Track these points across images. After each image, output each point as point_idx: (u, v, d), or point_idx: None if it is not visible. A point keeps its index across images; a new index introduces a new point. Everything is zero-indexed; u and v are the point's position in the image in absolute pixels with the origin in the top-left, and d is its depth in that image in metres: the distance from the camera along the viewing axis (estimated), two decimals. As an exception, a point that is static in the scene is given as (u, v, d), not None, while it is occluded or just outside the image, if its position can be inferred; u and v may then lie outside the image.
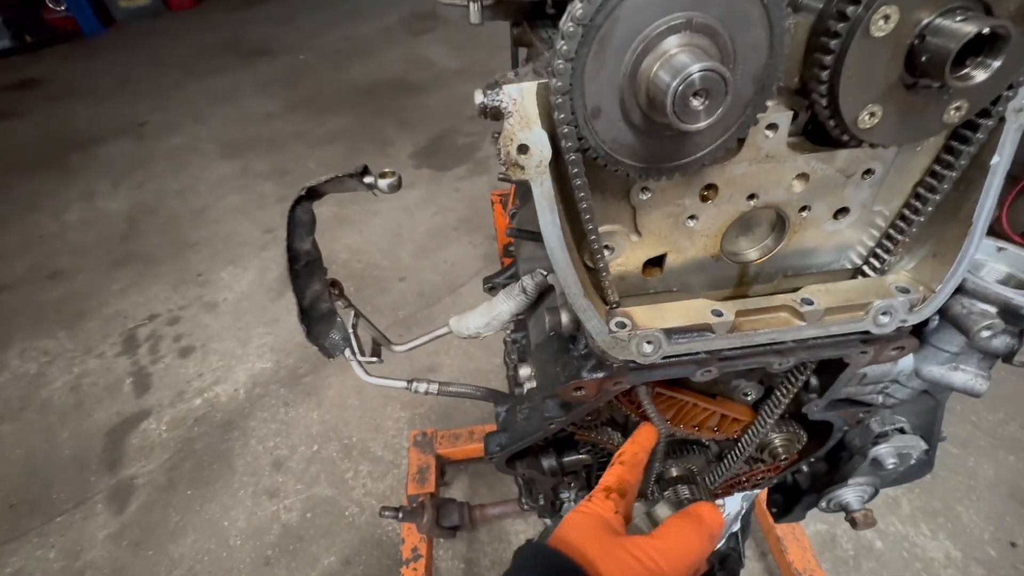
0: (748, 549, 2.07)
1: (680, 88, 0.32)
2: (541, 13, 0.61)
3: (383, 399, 2.57)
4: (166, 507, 2.27)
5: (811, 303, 0.49)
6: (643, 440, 0.65)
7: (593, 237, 0.45)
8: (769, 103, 0.40)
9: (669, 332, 0.49)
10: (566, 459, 0.77)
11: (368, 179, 0.65)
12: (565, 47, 0.34)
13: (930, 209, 0.48)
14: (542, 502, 0.84)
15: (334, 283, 0.86)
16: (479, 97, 0.39)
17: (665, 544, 0.51)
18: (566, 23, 0.33)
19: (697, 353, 0.50)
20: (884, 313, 0.49)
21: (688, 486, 0.73)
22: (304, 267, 0.70)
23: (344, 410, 2.57)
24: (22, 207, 4.05)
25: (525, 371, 0.78)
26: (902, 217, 0.50)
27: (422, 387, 0.77)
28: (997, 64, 0.35)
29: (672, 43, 0.34)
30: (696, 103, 0.33)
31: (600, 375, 0.53)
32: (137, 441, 2.53)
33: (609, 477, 0.59)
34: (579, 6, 0.32)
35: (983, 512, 2.12)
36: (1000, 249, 0.58)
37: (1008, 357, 0.53)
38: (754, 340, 0.50)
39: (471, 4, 0.48)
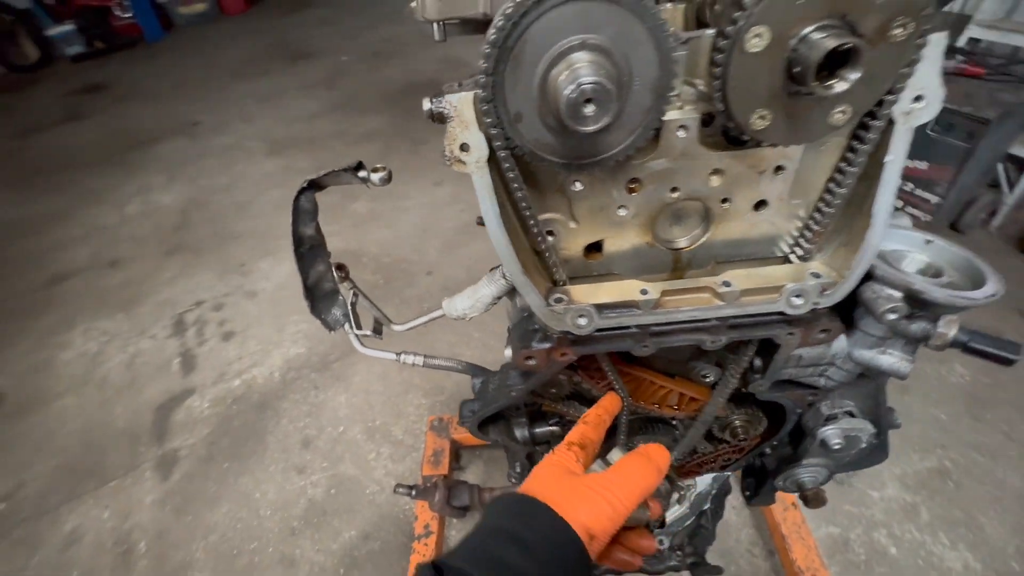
0: (755, 547, 2.07)
1: (572, 96, 0.40)
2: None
3: (405, 386, 2.70)
4: (205, 478, 2.47)
5: (729, 285, 0.55)
6: (607, 405, 0.72)
7: (532, 223, 0.53)
8: (674, 108, 0.46)
9: (600, 307, 0.56)
10: (537, 429, 0.84)
11: (362, 173, 0.74)
12: (485, 64, 0.42)
13: (839, 203, 0.53)
14: (519, 470, 0.92)
15: (340, 266, 0.97)
16: (426, 104, 0.48)
17: (616, 476, 0.58)
18: (484, 46, 0.41)
19: (628, 327, 0.57)
20: (797, 296, 0.54)
21: (642, 436, 0.79)
22: (309, 250, 0.81)
23: (369, 395, 2.71)
24: (88, 200, 4.43)
25: (508, 352, 0.87)
26: (818, 210, 0.55)
27: (409, 359, 0.86)
28: (856, 75, 0.40)
29: (573, 59, 0.41)
30: (587, 110, 0.40)
31: (546, 346, 0.60)
32: (182, 416, 2.75)
33: (573, 434, 0.65)
34: (492, 32, 0.40)
35: (1009, 524, 2.04)
36: (928, 242, 0.62)
37: (925, 340, 0.57)
38: (677, 317, 0.56)
39: (434, 25, 0.56)
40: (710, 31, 0.53)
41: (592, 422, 0.67)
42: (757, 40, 0.41)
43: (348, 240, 3.65)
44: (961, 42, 3.01)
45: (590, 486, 0.56)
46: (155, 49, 7.38)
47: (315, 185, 0.76)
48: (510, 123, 0.45)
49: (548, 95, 0.43)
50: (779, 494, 1.04)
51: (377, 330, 0.98)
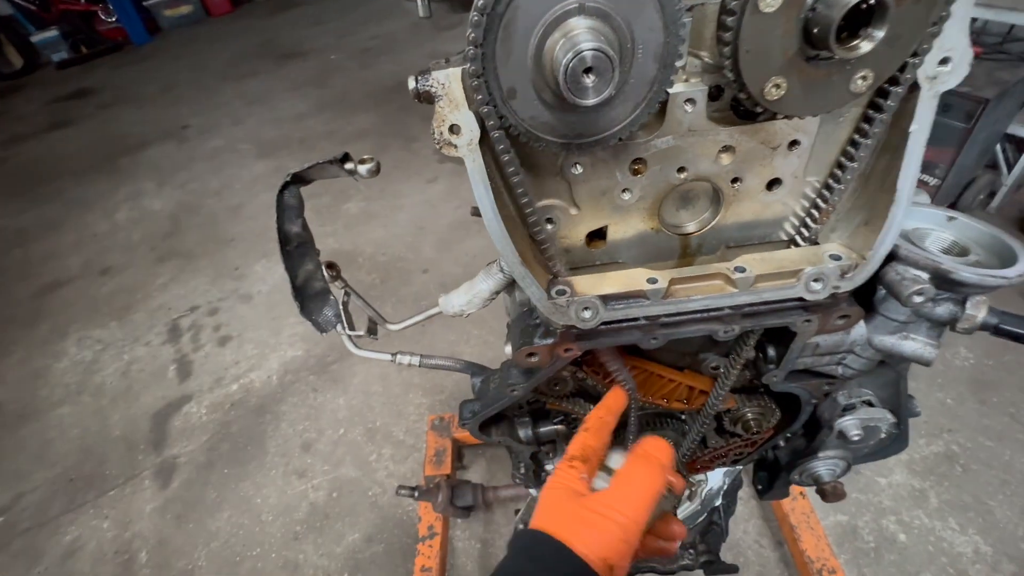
0: (763, 538, 2.05)
1: (570, 65, 0.36)
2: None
3: (405, 386, 2.67)
4: (205, 484, 2.44)
5: (743, 270, 0.51)
6: (610, 404, 0.66)
7: (529, 210, 0.49)
8: (680, 79, 0.43)
9: (606, 299, 0.52)
10: (541, 429, 0.81)
11: (348, 165, 0.70)
12: (473, 35, 0.38)
13: (850, 178, 0.49)
14: (523, 471, 0.88)
15: (331, 264, 0.93)
16: (411, 83, 0.44)
17: (621, 491, 0.54)
18: (472, 13, 0.37)
19: (636, 319, 0.54)
20: (816, 280, 0.51)
21: (648, 433, 0.75)
22: (296, 248, 0.77)
23: (369, 396, 2.68)
24: (78, 208, 4.37)
25: (508, 348, 0.83)
26: (826, 187, 0.51)
27: (405, 359, 0.83)
28: (881, 34, 0.37)
29: (570, 26, 0.38)
30: (587, 80, 0.37)
31: (549, 341, 0.57)
32: (180, 423, 2.71)
33: (573, 445, 0.61)
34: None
35: (1018, 507, 2.02)
36: (951, 219, 0.58)
37: (952, 323, 0.54)
38: (688, 306, 0.52)
39: (419, 3, 0.52)
40: (715, -2, 0.50)
41: (593, 427, 0.62)
42: (772, -1, 0.38)
43: (342, 240, 3.60)
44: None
45: (597, 510, 0.52)
46: (142, 53, 7.29)
47: (299, 179, 0.72)
48: (503, 100, 0.42)
49: (544, 67, 0.39)
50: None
51: (372, 330, 0.95)
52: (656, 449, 0.58)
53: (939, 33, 0.41)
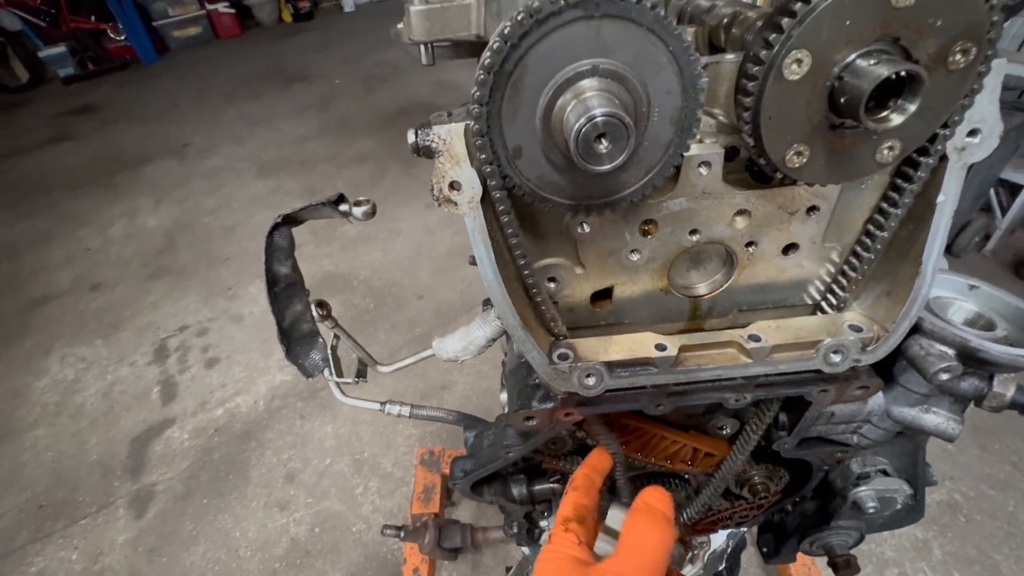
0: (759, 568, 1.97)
1: (583, 131, 0.33)
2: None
3: (391, 419, 2.60)
4: (182, 515, 2.33)
5: (758, 339, 0.48)
6: (595, 463, 0.62)
7: (526, 272, 0.46)
8: (694, 140, 0.40)
9: (611, 365, 0.48)
10: (536, 487, 0.76)
11: (343, 207, 0.67)
12: (478, 93, 0.35)
13: (879, 247, 0.46)
14: (516, 530, 0.83)
15: (321, 303, 0.89)
16: (411, 137, 0.41)
17: (630, 555, 0.49)
18: (478, 71, 0.35)
19: (643, 387, 0.50)
20: (835, 352, 0.47)
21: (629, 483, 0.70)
22: (284, 289, 0.73)
23: (357, 425, 2.60)
24: (71, 222, 4.33)
25: (504, 397, 0.79)
26: (854, 254, 0.49)
27: (395, 409, 0.78)
28: (913, 107, 0.34)
29: (582, 87, 0.35)
30: (600, 146, 0.34)
31: (548, 405, 0.53)
32: (160, 448, 2.62)
33: (565, 507, 0.56)
34: (488, 55, 0.34)
35: (1024, 562, 1.96)
36: (972, 287, 0.56)
37: (979, 400, 0.50)
38: (698, 376, 0.49)
39: (421, 47, 0.50)
40: (731, 55, 0.48)
41: (582, 486, 0.58)
42: (797, 66, 0.35)
43: (338, 263, 3.57)
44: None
45: None
46: (148, 71, 7.37)
47: (291, 220, 0.69)
48: (508, 159, 0.39)
49: (553, 128, 0.37)
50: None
51: (361, 372, 0.90)
52: (658, 501, 0.53)
53: (971, 105, 0.39)
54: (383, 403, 0.79)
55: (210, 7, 7.84)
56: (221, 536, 2.25)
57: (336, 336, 0.84)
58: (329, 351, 0.79)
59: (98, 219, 4.33)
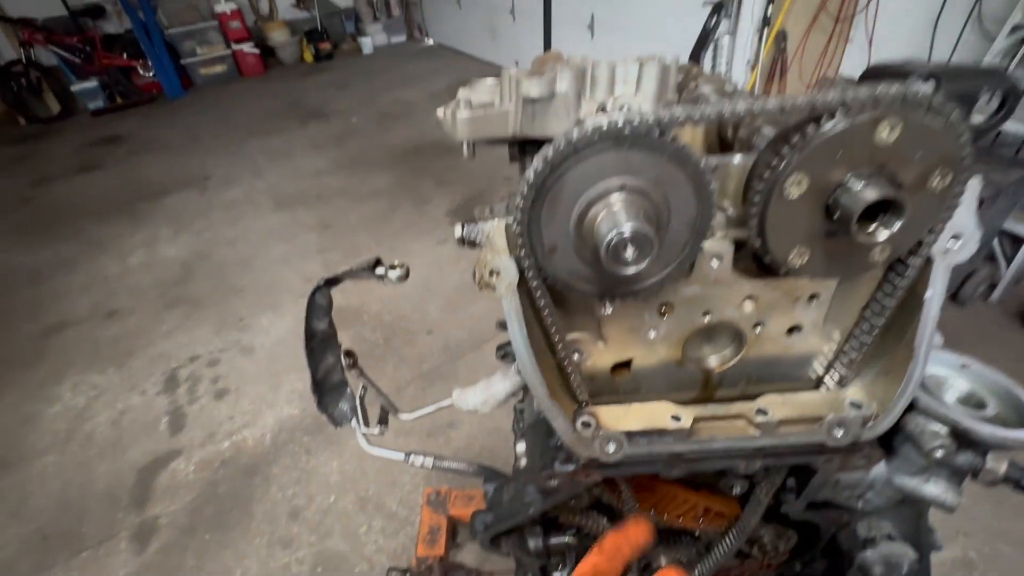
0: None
1: (613, 242, 0.39)
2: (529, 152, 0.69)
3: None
4: (184, 550, 2.32)
5: (766, 414, 0.52)
6: (632, 535, 0.57)
7: (560, 346, 0.51)
8: (708, 240, 0.46)
9: (630, 434, 0.53)
10: (552, 541, 0.79)
11: (379, 270, 0.73)
12: (521, 202, 0.41)
13: (876, 331, 0.51)
14: (529, 581, 0.85)
15: (348, 353, 0.94)
16: (458, 231, 0.47)
17: None
18: (522, 184, 0.41)
19: (659, 454, 0.54)
20: (838, 427, 0.51)
21: (662, 548, 0.69)
22: (320, 343, 0.78)
23: (363, 461, 2.60)
24: (93, 250, 4.45)
25: (520, 448, 0.82)
26: (853, 336, 0.53)
27: (419, 460, 0.82)
28: (897, 226, 0.40)
29: (612, 201, 0.41)
30: (627, 254, 0.39)
31: (570, 468, 0.57)
32: (166, 480, 2.62)
33: (584, 567, 0.53)
34: (531, 173, 0.40)
35: (1043, 625, 1.91)
36: (964, 366, 0.60)
37: (974, 474, 0.54)
38: (711, 447, 0.53)
39: (464, 145, 0.57)
40: (738, 157, 0.54)
41: (608, 551, 0.53)
42: (796, 188, 0.41)
43: (349, 296, 3.63)
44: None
45: None
46: (173, 105, 7.69)
47: (332, 282, 0.75)
48: (544, 255, 0.44)
49: (585, 232, 0.42)
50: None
51: (383, 419, 0.94)
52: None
53: (951, 216, 0.44)
54: (407, 454, 0.83)
55: (236, 47, 8.23)
56: (223, 573, 2.23)
57: (364, 387, 0.89)
58: (357, 401, 0.83)
59: (119, 247, 4.45)
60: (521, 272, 0.47)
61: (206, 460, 2.68)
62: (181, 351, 3.36)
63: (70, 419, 2.98)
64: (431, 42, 9.47)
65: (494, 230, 0.46)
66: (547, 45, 6.64)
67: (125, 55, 7.57)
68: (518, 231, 0.43)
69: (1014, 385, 0.57)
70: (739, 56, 4.55)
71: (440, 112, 0.67)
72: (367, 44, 9.26)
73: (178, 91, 7.85)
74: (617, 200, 0.41)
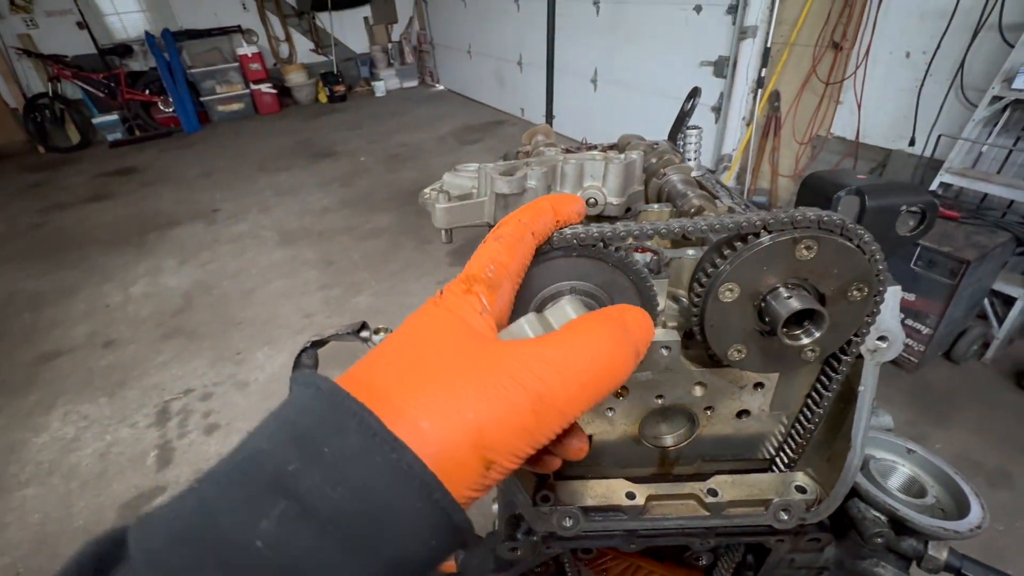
0: None
1: (561, 340, 0.43)
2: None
3: (387, 497, 2.57)
4: (159, 592, 2.26)
5: (716, 494, 0.55)
6: (539, 209, 0.40)
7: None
8: (658, 328, 0.50)
9: (587, 510, 0.55)
10: (520, 606, 0.79)
11: (364, 333, 0.77)
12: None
13: (818, 419, 0.55)
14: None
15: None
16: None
17: (560, 350, 0.29)
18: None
19: (614, 530, 0.57)
20: (783, 510, 0.54)
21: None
22: (303, 400, 0.82)
23: (348, 504, 2.57)
24: (97, 277, 4.53)
25: (495, 507, 0.84)
26: (798, 422, 0.57)
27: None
28: (820, 333, 0.44)
29: (562, 302, 0.46)
30: (574, 351, 0.44)
31: (533, 538, 0.59)
32: (147, 517, 2.58)
33: (477, 260, 0.36)
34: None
35: None
36: (910, 451, 0.63)
37: (919, 561, 0.56)
38: (663, 525, 0.56)
39: (443, 231, 0.62)
40: (692, 251, 0.59)
41: (508, 236, 0.37)
42: (729, 293, 0.46)
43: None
44: (933, 185, 3.26)
45: (502, 364, 0.28)
46: (189, 140, 7.97)
47: (318, 343, 0.79)
48: (504, 343, 0.49)
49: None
50: None
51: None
52: (637, 322, 0.33)
53: (873, 322, 0.48)
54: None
55: (254, 87, 8.60)
56: (196, 619, 2.16)
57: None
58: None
59: (122, 276, 4.52)
60: (484, 356, 0.51)
61: (190, 498, 2.65)
62: (175, 383, 3.37)
63: (56, 450, 2.96)
64: (441, 87, 9.87)
65: (460, 317, 0.51)
66: (550, 96, 6.93)
67: (147, 91, 7.90)
68: (480, 322, 0.47)
69: (955, 473, 0.60)
70: (735, 113, 4.75)
71: (427, 191, 0.73)
72: (380, 88, 9.65)
73: (194, 125, 8.14)
74: (567, 301, 0.45)
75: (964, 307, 3.06)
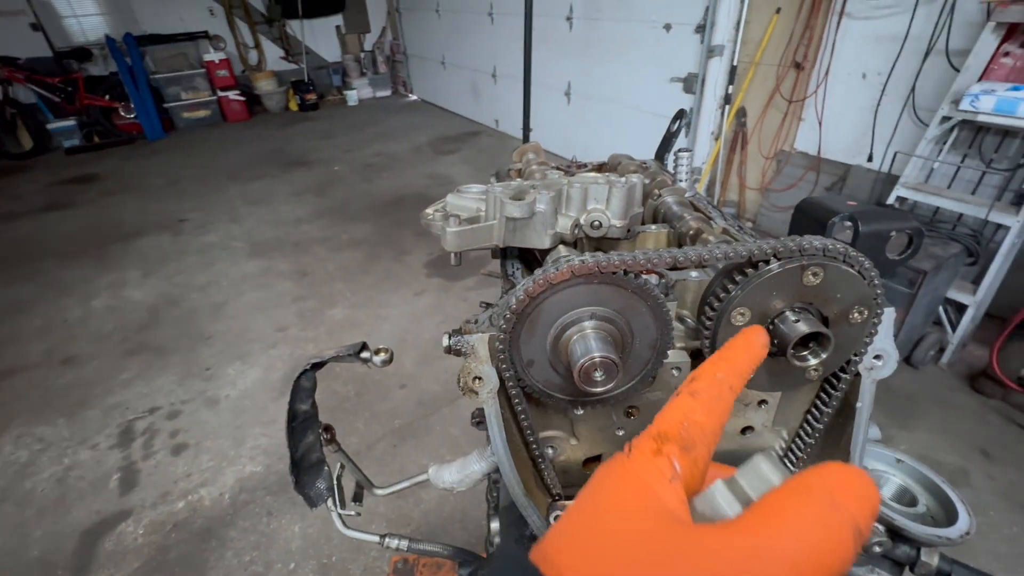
0: None
1: (584, 365, 0.44)
2: (509, 252, 0.76)
3: (368, 515, 2.51)
4: (124, 626, 2.15)
5: (723, 510, 0.57)
6: (738, 354, 0.37)
7: (534, 446, 0.55)
8: (669, 352, 0.52)
9: (599, 529, 0.56)
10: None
11: (364, 354, 0.77)
12: (504, 324, 0.47)
13: (818, 433, 0.57)
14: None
15: (327, 428, 0.95)
16: (446, 340, 0.52)
17: (764, 536, 0.25)
18: (503, 310, 0.46)
19: (626, 548, 0.57)
20: (787, 523, 0.56)
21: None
22: (301, 423, 0.80)
23: (327, 524, 2.50)
24: (54, 291, 4.30)
25: (495, 526, 0.84)
26: (799, 436, 0.60)
27: (394, 543, 0.82)
28: (825, 354, 0.47)
29: (584, 326, 0.47)
30: (597, 376, 0.45)
31: (543, 559, 0.60)
32: (111, 545, 2.45)
33: (668, 416, 0.34)
34: (513, 302, 0.46)
35: None
36: (899, 461, 0.67)
37: (911, 567, 0.59)
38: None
39: (452, 254, 0.63)
40: (695, 272, 0.61)
41: (704, 392, 0.35)
42: (740, 317, 0.48)
43: (322, 347, 3.58)
44: (890, 199, 3.44)
45: (700, 558, 0.25)
46: (153, 147, 7.69)
47: (318, 366, 0.78)
48: (522, 368, 0.49)
49: (560, 351, 0.48)
50: None
51: (358, 496, 0.95)
52: (853, 490, 0.26)
53: (872, 342, 0.51)
54: (382, 536, 0.83)
55: (222, 94, 8.39)
56: (167, 652, 2.06)
57: (341, 465, 0.90)
58: (334, 480, 0.84)
59: (82, 289, 4.31)
60: (502, 380, 0.52)
61: (157, 522, 2.53)
62: (140, 402, 3.22)
63: (8, 476, 2.78)
64: (415, 97, 9.86)
65: (479, 342, 0.51)
66: (526, 108, 7.01)
67: (108, 96, 7.61)
68: (500, 348, 0.48)
69: (942, 482, 0.64)
70: (704, 128, 4.91)
71: (429, 211, 0.73)
72: (352, 97, 9.57)
73: (158, 132, 7.88)
74: (588, 326, 0.46)
75: (922, 314, 3.23)
